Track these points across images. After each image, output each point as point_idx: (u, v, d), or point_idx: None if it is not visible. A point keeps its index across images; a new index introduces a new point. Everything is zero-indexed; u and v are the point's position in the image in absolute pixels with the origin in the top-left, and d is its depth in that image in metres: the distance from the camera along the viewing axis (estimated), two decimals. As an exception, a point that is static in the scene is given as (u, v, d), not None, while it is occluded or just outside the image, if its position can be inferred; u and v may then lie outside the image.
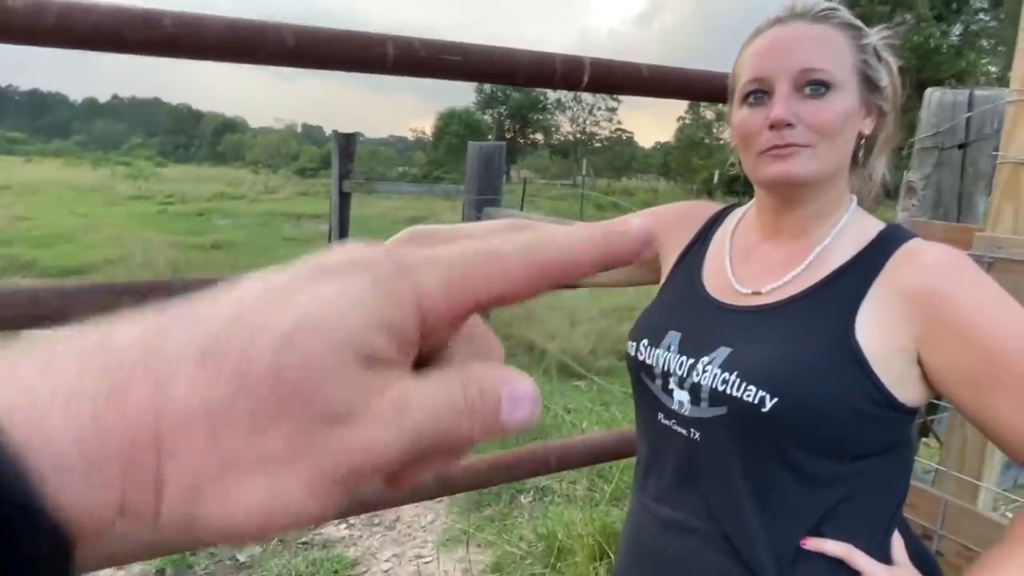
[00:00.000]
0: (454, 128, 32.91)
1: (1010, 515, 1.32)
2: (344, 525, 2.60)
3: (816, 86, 0.68)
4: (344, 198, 6.56)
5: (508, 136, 38.41)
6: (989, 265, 1.20)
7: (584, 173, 21.36)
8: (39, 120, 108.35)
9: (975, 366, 0.61)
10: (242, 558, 2.38)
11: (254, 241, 9.91)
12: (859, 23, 0.73)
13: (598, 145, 47.92)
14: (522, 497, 2.60)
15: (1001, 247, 1.18)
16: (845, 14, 0.72)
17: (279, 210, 15.35)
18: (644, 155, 54.98)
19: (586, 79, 1.01)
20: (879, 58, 0.72)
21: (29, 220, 10.97)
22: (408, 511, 2.72)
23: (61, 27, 0.72)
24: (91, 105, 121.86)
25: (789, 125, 0.68)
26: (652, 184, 33.42)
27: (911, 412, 0.67)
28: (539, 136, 42.66)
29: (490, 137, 34.19)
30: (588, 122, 44.06)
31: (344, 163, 6.59)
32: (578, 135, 44.85)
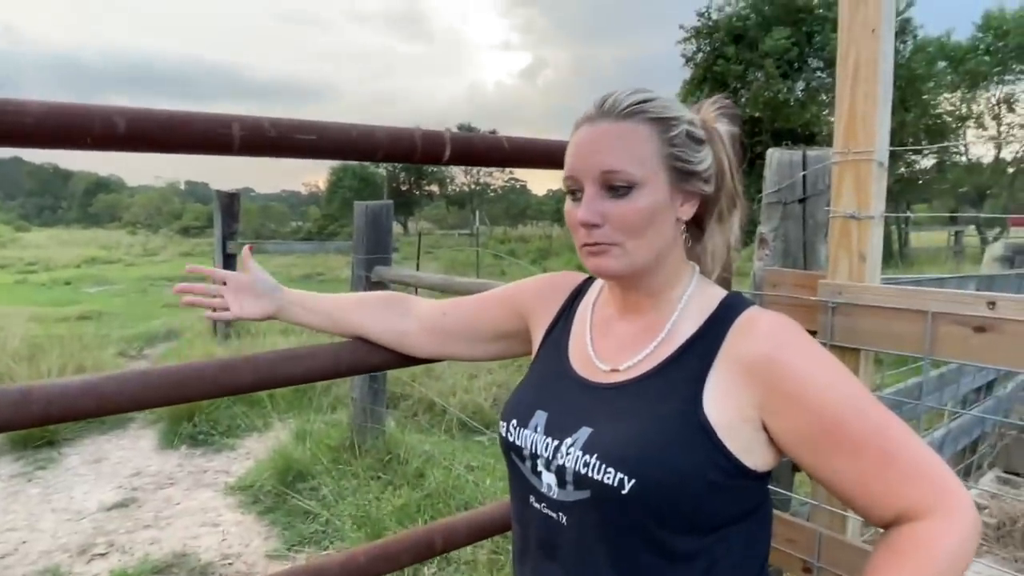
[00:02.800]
0: (348, 182, 32.46)
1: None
2: (230, 622, 2.37)
3: (618, 187, 0.70)
4: (229, 259, 6.25)
5: (404, 188, 38.33)
6: (833, 309, 1.30)
7: (479, 223, 21.66)
8: None
9: (811, 428, 0.65)
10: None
11: (130, 309, 9.17)
12: (670, 113, 0.72)
13: (492, 195, 48.94)
14: (425, 568, 2.48)
15: (841, 292, 1.29)
16: (654, 106, 0.72)
17: (160, 274, 14.37)
18: (538, 202, 56.72)
19: (448, 153, 1.02)
20: (697, 141, 0.74)
21: None
22: None
23: None
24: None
25: (595, 225, 0.70)
26: (546, 231, 34.40)
27: (763, 477, 0.70)
28: (434, 187, 43.01)
29: (384, 191, 33.96)
30: (482, 172, 44.97)
31: (228, 223, 6.32)
32: (473, 186, 45.62)
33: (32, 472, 3.60)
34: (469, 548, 2.45)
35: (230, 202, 6.38)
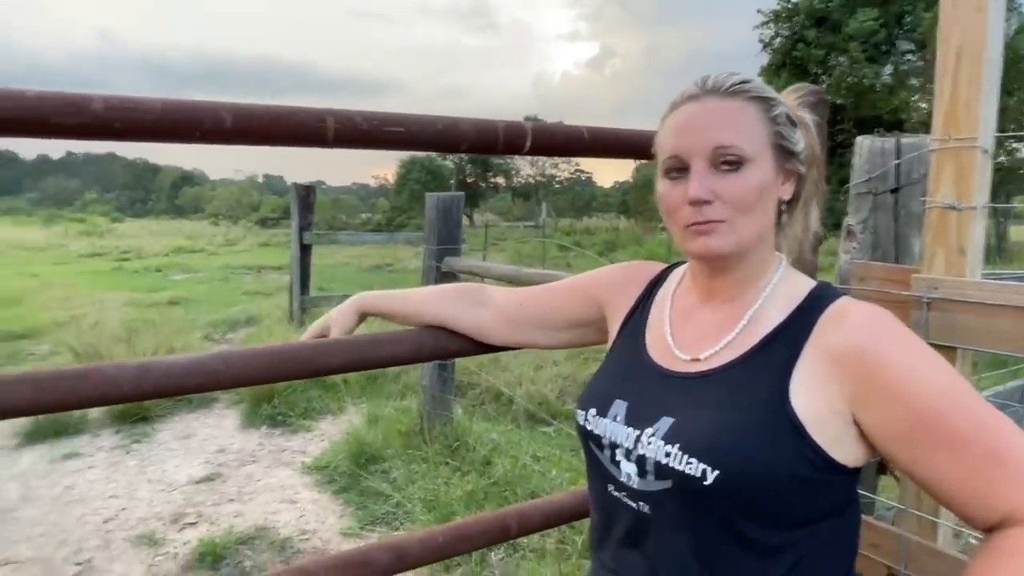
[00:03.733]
0: (416, 174, 32.95)
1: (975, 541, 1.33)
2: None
3: (730, 163, 0.70)
4: (305, 250, 6.50)
5: (470, 180, 38.68)
6: (928, 305, 1.24)
7: (545, 215, 21.63)
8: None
9: (906, 423, 0.63)
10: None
11: (213, 296, 9.69)
12: (770, 93, 0.74)
13: (558, 186, 48.69)
14: (492, 555, 2.53)
15: (937, 287, 1.23)
16: (756, 86, 0.73)
17: (239, 263, 15.09)
18: (603, 194, 56.03)
19: (528, 144, 1.03)
20: (793, 123, 0.74)
21: (-26, 283, 10.56)
22: None
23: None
24: (43, 162, 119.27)
25: (706, 202, 0.70)
26: (612, 223, 33.97)
27: (853, 473, 0.68)
28: (500, 180, 43.20)
29: (451, 183, 34.36)
30: (547, 164, 44.84)
31: (304, 215, 6.56)
32: (538, 177, 45.55)
33: (130, 445, 3.88)
34: (536, 537, 2.47)
35: (306, 194, 6.63)
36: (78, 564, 2.64)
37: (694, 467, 0.65)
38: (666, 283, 0.87)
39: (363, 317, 1.04)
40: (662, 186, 0.75)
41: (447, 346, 1.06)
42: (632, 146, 1.09)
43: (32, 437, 3.92)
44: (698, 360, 0.74)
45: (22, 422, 4.03)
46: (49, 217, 42.10)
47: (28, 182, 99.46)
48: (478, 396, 4.55)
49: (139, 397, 0.85)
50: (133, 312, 7.82)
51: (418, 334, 1.04)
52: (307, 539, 2.84)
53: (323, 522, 2.98)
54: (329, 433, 4.05)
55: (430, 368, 3.59)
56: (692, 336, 0.77)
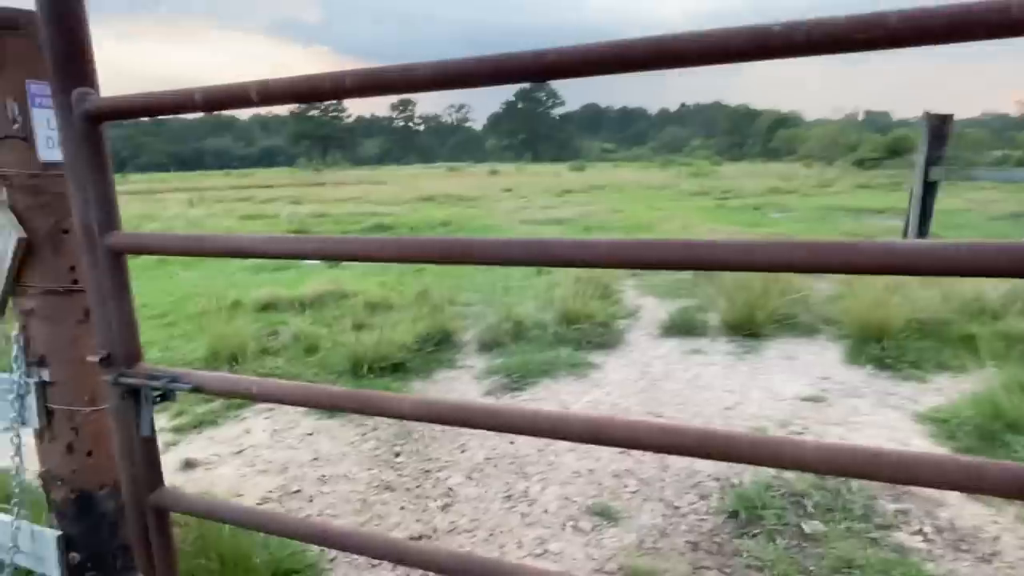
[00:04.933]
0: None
1: None
2: (921, 537, 2.39)
3: None
4: (929, 188, 5.82)
5: None
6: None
7: None
8: (625, 131, 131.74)
9: None
10: (807, 529, 2.46)
11: (812, 233, 9.80)
12: None
13: None
14: None
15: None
16: None
17: (835, 204, 14.68)
18: None
19: None
20: None
21: (620, 212, 13.60)
22: (1012, 542, 2.30)
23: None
24: (664, 115, 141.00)
25: None
26: None
27: None
28: None
29: None
30: None
31: (935, 147, 5.84)
32: None
33: (741, 354, 4.41)
34: None
35: (940, 124, 5.85)
36: (709, 434, 3.23)
37: None
38: None
39: None
40: None
41: None
42: None
43: (669, 331, 4.90)
44: None
45: (663, 319, 5.08)
46: (665, 162, 50.06)
47: (652, 132, 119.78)
48: None
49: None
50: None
51: None
52: (920, 485, 2.69)
53: (940, 475, 2.76)
54: (946, 389, 3.65)
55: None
56: None
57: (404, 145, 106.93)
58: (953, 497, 2.61)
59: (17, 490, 1.79)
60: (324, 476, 2.90)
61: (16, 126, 1.68)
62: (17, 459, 1.80)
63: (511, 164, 66.13)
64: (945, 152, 5.94)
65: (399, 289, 6.25)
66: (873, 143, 39.28)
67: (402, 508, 2.65)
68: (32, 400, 1.79)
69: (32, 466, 1.81)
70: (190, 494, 1.77)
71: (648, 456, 3.03)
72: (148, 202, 20.33)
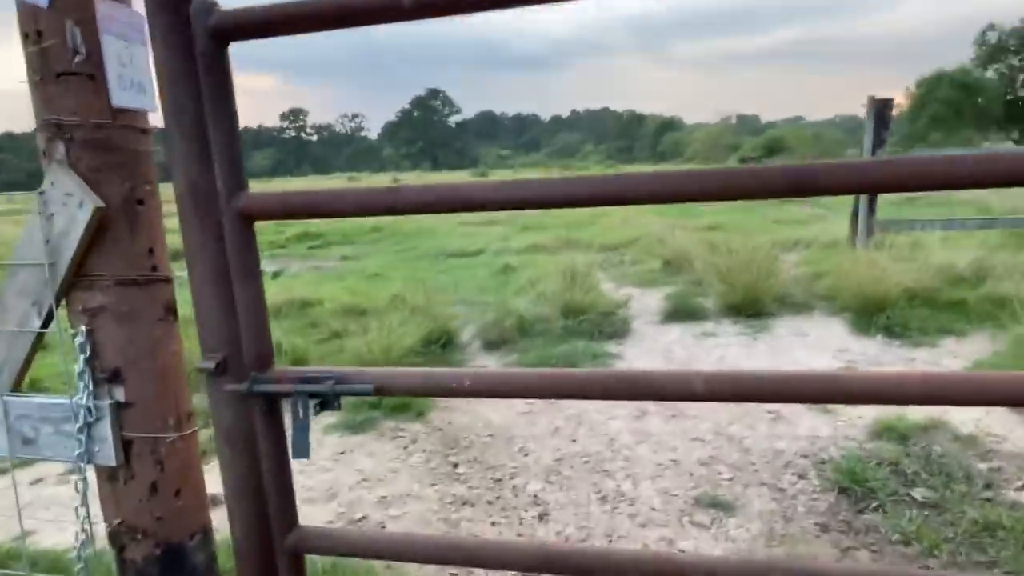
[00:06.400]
0: (942, 93, 27.08)
1: None
2: (1029, 493, 2.38)
3: None
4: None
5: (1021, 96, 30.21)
6: None
7: None
8: (520, 138, 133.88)
9: None
10: (919, 497, 2.39)
11: (746, 224, 10.20)
12: None
13: None
14: None
15: None
16: None
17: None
18: None
19: None
20: None
21: (551, 212, 13.59)
22: None
23: None
24: (557, 121, 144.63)
25: None
26: None
27: None
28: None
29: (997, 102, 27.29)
30: None
31: (879, 132, 6.16)
32: None
33: (753, 334, 4.39)
34: None
35: (883, 108, 6.19)
36: (769, 412, 3.13)
37: None
38: None
39: None
40: None
41: None
42: None
43: (670, 317, 4.82)
44: None
45: (663, 307, 4.99)
46: (562, 167, 51.19)
47: (545, 138, 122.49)
48: None
49: None
50: (682, 234, 8.82)
51: None
52: (999, 442, 2.72)
53: (1011, 430, 2.80)
54: (960, 352, 3.78)
55: None
56: None
57: (297, 156, 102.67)
58: (1036, 450, 2.64)
59: (81, 565, 1.35)
60: (384, 498, 2.51)
61: (79, 58, 1.25)
62: (84, 515, 1.36)
63: (411, 172, 65.24)
64: (888, 136, 6.29)
65: (366, 294, 5.79)
66: (752, 143, 42.05)
67: (494, 524, 2.32)
68: (106, 429, 1.35)
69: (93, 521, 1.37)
70: (334, 529, 1.39)
71: (724, 441, 2.88)
72: None
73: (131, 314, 1.28)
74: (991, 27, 31.60)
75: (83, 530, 1.35)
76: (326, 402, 1.25)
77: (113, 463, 1.32)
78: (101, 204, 1.22)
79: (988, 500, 2.33)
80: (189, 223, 1.20)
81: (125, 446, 1.33)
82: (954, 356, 3.74)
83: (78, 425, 1.30)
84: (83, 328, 1.27)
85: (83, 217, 1.24)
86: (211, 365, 1.28)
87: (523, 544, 1.50)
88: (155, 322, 1.32)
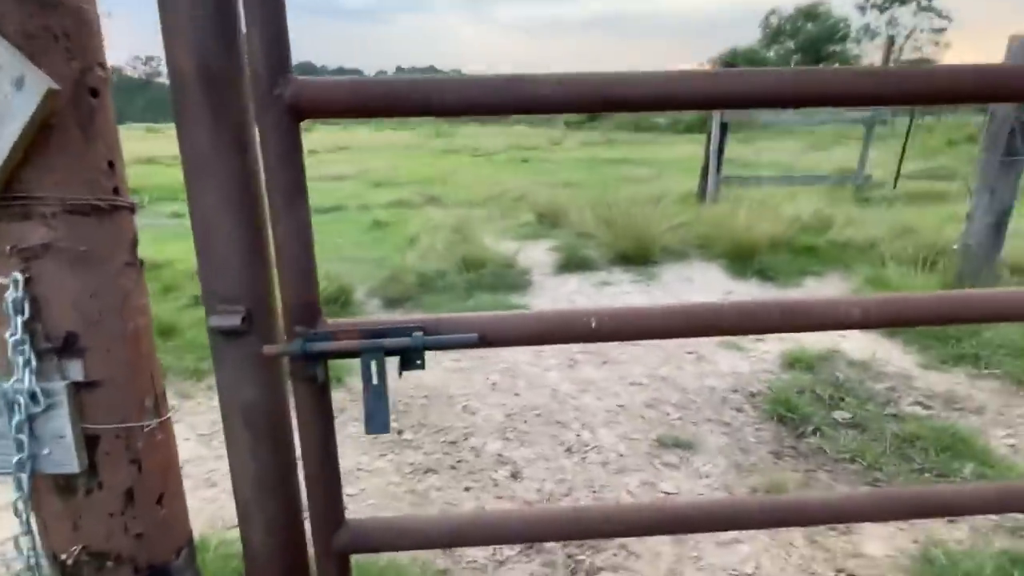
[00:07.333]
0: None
1: None
2: (921, 406, 2.71)
3: None
4: (723, 128, 6.65)
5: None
6: None
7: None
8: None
9: None
10: (842, 418, 2.63)
11: (590, 180, 10.60)
12: None
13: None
14: None
15: None
16: None
17: (587, 156, 16.08)
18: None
19: None
20: None
21: (399, 168, 13.08)
22: (985, 398, 2.74)
23: None
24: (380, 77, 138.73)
25: None
26: None
27: None
28: (832, 72, 37.73)
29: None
30: (907, 48, 37.97)
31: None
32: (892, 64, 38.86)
33: (644, 280, 4.56)
34: None
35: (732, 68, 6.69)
36: (689, 352, 3.25)
37: None
38: None
39: None
40: None
41: None
42: None
43: (563, 268, 4.84)
44: None
45: (553, 259, 5.00)
46: (398, 124, 49.48)
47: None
48: None
49: None
50: (544, 190, 8.94)
51: None
52: (885, 365, 3.07)
53: (890, 353, 3.19)
54: (822, 291, 4.24)
55: (982, 227, 3.47)
56: None
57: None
58: (916, 370, 3.03)
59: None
60: (331, 475, 2.20)
61: None
62: (28, 548, 1.01)
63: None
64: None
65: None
66: (578, 106, 43.75)
67: (468, 489, 2.14)
68: (60, 421, 1.00)
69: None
70: (382, 520, 1.17)
71: (660, 383, 2.94)
72: None
73: (89, 255, 0.92)
74: (773, 12, 36.30)
75: (30, 568, 0.98)
76: (407, 359, 1.01)
77: (74, 469, 0.96)
78: (55, 85, 0.84)
79: (894, 416, 2.63)
80: (196, 122, 0.88)
81: (89, 443, 0.97)
82: (817, 293, 4.18)
83: (15, 419, 0.93)
84: (16, 276, 0.89)
85: (23, 105, 0.85)
86: (236, 321, 0.98)
87: (566, 511, 1.37)
88: (122, 267, 0.97)
